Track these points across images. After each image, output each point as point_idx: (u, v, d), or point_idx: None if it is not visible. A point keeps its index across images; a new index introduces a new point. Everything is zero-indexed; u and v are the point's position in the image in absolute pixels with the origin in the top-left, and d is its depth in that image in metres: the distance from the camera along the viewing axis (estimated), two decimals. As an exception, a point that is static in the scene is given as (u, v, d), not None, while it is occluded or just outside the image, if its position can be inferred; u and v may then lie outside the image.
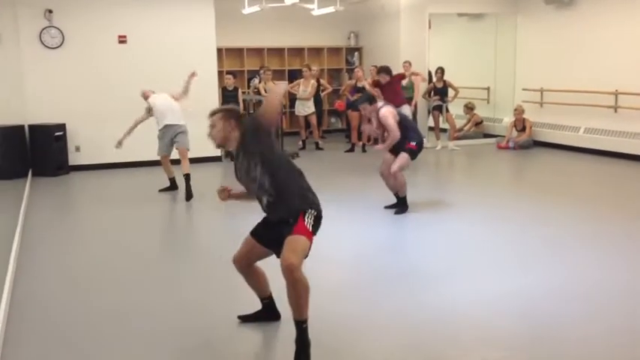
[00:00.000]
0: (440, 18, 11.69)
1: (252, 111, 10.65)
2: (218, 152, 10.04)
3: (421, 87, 10.84)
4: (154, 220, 6.82)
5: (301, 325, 3.22)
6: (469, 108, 11.99)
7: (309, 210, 3.36)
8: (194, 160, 9.22)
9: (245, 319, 3.78)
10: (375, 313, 3.95)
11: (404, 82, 10.66)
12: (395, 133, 6.23)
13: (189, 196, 7.21)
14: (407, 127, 6.39)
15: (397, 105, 7.37)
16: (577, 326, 3.72)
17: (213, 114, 3.51)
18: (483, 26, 12.38)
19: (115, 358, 3.46)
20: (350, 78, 11.92)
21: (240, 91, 10.30)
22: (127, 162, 9.25)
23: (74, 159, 9.29)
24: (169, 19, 9.54)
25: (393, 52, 11.36)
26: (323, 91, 11.45)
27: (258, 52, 12.36)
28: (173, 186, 7.67)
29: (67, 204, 7.98)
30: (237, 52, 12.17)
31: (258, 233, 3.53)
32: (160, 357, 3.45)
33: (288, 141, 11.10)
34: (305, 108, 10.97)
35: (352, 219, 6.32)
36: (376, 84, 9.36)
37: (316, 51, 12.92)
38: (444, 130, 11.33)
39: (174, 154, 7.54)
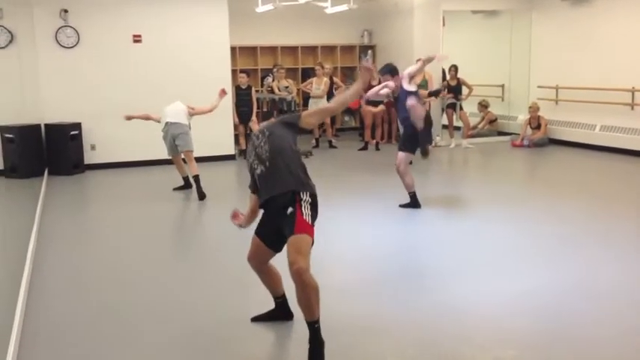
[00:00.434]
0: (454, 15, 11.63)
1: (265, 109, 10.69)
2: (232, 151, 10.09)
3: (434, 82, 10.74)
4: (167, 219, 6.86)
5: (313, 326, 3.22)
6: (483, 106, 11.92)
7: (304, 194, 3.31)
8: (208, 159, 9.30)
9: (258, 319, 3.78)
10: (389, 311, 3.94)
11: (418, 80, 10.62)
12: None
13: (201, 196, 7.23)
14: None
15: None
16: (592, 325, 3.69)
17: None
18: (498, 23, 12.30)
19: (129, 357, 3.48)
20: (363, 76, 11.86)
21: (253, 89, 10.33)
22: (142, 160, 9.31)
23: (90, 158, 9.36)
24: (184, 19, 9.58)
25: (406, 49, 11.31)
26: (336, 89, 11.43)
27: (271, 50, 12.37)
28: (187, 184, 7.70)
29: (83, 202, 8.05)
30: (250, 51, 12.19)
31: (260, 232, 3.55)
32: (173, 356, 3.47)
33: (301, 139, 11.02)
34: (318, 106, 10.95)
35: (366, 217, 6.32)
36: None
37: (330, 49, 12.90)
38: (458, 128, 11.27)
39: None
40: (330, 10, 10.11)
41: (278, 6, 9.95)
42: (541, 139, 10.71)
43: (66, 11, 9.04)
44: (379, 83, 10.46)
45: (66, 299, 4.34)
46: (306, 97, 11.59)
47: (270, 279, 3.68)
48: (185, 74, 9.50)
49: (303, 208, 3.27)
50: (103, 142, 9.38)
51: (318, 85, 10.88)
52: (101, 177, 8.97)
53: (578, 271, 4.61)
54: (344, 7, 10.15)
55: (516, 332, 3.62)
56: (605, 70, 9.83)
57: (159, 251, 5.54)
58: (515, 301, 4.08)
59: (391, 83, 6.37)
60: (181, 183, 7.76)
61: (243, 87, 10.09)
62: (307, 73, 12.19)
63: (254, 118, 10.16)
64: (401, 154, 6.42)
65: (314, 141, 11.30)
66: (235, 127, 10.19)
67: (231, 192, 8.32)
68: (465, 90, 10.93)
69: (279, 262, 3.55)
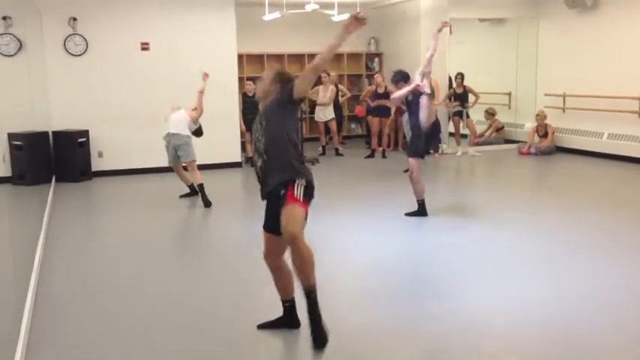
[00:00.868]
0: (461, 23, 11.62)
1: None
2: (239, 158, 10.10)
3: (441, 89, 10.75)
4: (174, 226, 6.87)
5: (310, 295, 3.28)
6: (490, 113, 11.91)
7: (298, 179, 3.44)
8: (215, 166, 9.32)
9: (264, 326, 3.77)
10: (396, 320, 3.92)
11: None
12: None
13: (206, 204, 7.26)
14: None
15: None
16: (602, 336, 3.66)
17: (270, 72, 3.67)
18: (505, 31, 12.29)
19: (137, 362, 3.48)
20: (370, 84, 11.91)
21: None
22: (149, 168, 9.34)
23: (97, 165, 9.39)
24: (191, 26, 9.62)
25: (413, 57, 11.30)
26: (342, 96, 11.45)
27: (278, 58, 12.39)
28: (193, 192, 7.71)
29: (90, 209, 8.07)
30: (257, 58, 12.23)
31: (266, 225, 3.62)
32: (181, 362, 3.47)
33: (308, 147, 11.11)
34: (325, 114, 10.98)
35: (372, 226, 6.30)
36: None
37: (336, 57, 12.90)
38: (465, 136, 11.26)
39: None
40: (336, 18, 10.13)
41: (285, 14, 10.00)
42: (548, 147, 10.67)
43: (75, 19, 9.11)
44: (385, 90, 10.52)
45: (73, 305, 4.34)
46: (312, 105, 11.61)
47: (283, 277, 3.66)
48: (192, 82, 9.49)
49: (295, 189, 3.40)
50: (110, 150, 9.42)
51: (324, 93, 10.90)
52: (108, 184, 9.00)
53: (586, 280, 4.59)
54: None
55: (525, 342, 3.59)
56: (612, 78, 9.80)
57: (165, 258, 5.55)
58: (524, 310, 4.05)
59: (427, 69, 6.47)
60: (187, 190, 7.77)
61: (250, 94, 10.11)
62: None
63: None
64: (412, 161, 6.39)
65: (320, 148, 11.31)
66: (242, 135, 10.21)
67: (237, 199, 8.33)
68: (471, 98, 10.93)
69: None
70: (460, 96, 10.86)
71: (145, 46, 9.47)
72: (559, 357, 3.41)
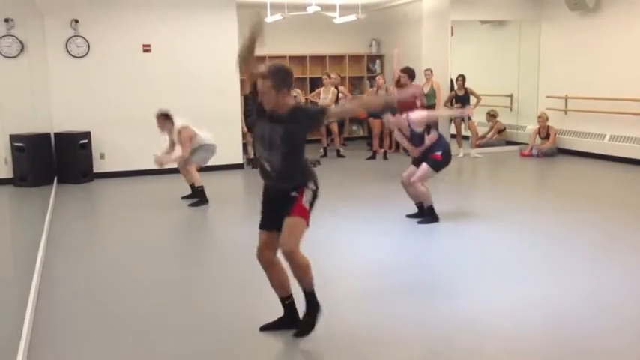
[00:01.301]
0: (462, 25, 11.64)
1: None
2: (240, 160, 10.10)
3: (443, 94, 10.78)
4: (175, 227, 6.88)
5: (308, 294, 3.55)
6: (492, 115, 11.91)
7: (309, 183, 3.51)
8: (216, 168, 9.32)
9: (266, 327, 3.76)
10: (398, 323, 3.92)
11: (426, 90, 10.64)
12: (434, 116, 6.19)
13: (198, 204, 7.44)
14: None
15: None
16: (603, 337, 3.66)
17: (265, 73, 3.42)
18: (506, 33, 12.29)
19: (138, 364, 3.48)
20: (372, 86, 11.91)
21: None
22: (151, 169, 9.32)
23: (99, 166, 9.40)
24: (193, 28, 9.63)
25: (415, 59, 11.31)
26: (344, 97, 11.43)
27: (280, 60, 12.38)
28: (195, 194, 7.71)
29: (92, 211, 8.08)
30: (259, 60, 12.21)
31: (263, 224, 3.63)
32: (182, 364, 3.47)
33: (309, 148, 11.04)
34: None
35: (374, 228, 6.30)
36: (398, 83, 9.28)
37: (338, 59, 12.93)
38: (466, 138, 11.25)
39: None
40: (338, 20, 10.15)
41: (287, 16, 10.01)
42: (550, 149, 10.67)
43: (76, 21, 9.12)
44: (386, 92, 10.53)
45: (74, 307, 4.34)
46: (314, 107, 11.61)
47: (277, 275, 3.65)
48: (194, 83, 9.54)
49: (305, 195, 3.47)
50: (112, 151, 9.43)
51: (325, 95, 10.91)
52: (110, 186, 9.00)
53: (588, 281, 4.58)
54: (352, 17, 10.19)
55: (527, 343, 3.59)
56: (614, 80, 9.80)
57: (167, 260, 5.55)
58: (526, 311, 4.05)
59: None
60: (189, 192, 7.77)
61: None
62: (315, 83, 12.22)
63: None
64: (427, 170, 6.34)
65: (322, 150, 11.31)
66: (243, 136, 10.22)
67: (239, 201, 8.33)
68: (473, 100, 10.92)
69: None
70: (461, 98, 10.85)
71: (146, 48, 9.48)
72: (560, 358, 3.40)
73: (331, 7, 9.94)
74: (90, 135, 9.21)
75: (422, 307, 4.18)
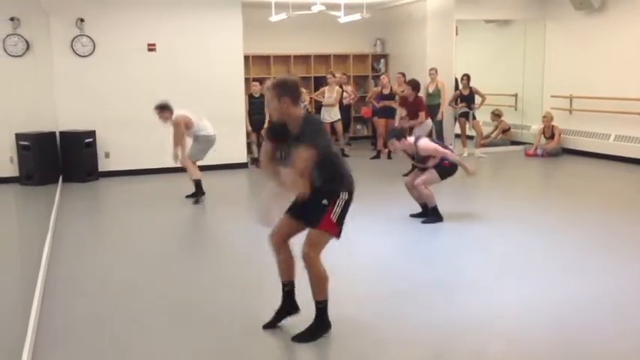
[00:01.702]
0: (467, 24, 11.62)
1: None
2: (244, 159, 10.12)
3: (448, 94, 10.78)
4: (180, 226, 6.89)
5: (318, 305, 3.54)
6: (496, 115, 11.89)
7: (342, 193, 3.52)
8: (221, 167, 9.34)
9: (269, 325, 3.77)
10: (401, 323, 3.91)
11: (430, 90, 10.64)
12: (443, 153, 6.22)
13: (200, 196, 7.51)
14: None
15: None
16: (610, 340, 3.62)
17: (270, 85, 3.56)
18: (511, 32, 12.28)
19: (143, 361, 3.49)
20: (376, 85, 11.91)
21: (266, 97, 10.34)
22: (156, 168, 9.36)
23: (104, 165, 9.43)
24: (198, 27, 9.65)
25: (419, 59, 11.33)
26: (345, 98, 11.43)
27: (284, 59, 12.42)
28: (200, 190, 7.72)
29: (97, 209, 8.10)
30: (263, 60, 12.24)
31: (289, 208, 3.63)
32: (187, 361, 3.48)
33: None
34: (331, 115, 10.98)
35: (377, 227, 6.30)
36: (403, 101, 9.39)
37: (342, 58, 12.92)
38: (471, 138, 11.24)
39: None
40: (343, 20, 10.14)
41: (291, 15, 10.01)
42: (555, 149, 10.65)
43: (82, 20, 9.14)
44: (391, 91, 10.55)
45: (80, 304, 4.36)
46: (318, 106, 11.61)
47: (285, 257, 3.67)
48: (199, 82, 9.56)
49: (336, 206, 3.48)
50: (117, 150, 9.45)
51: (330, 94, 10.91)
52: (115, 184, 9.03)
53: (594, 283, 4.56)
54: (357, 17, 10.18)
55: (532, 346, 3.56)
56: (619, 80, 9.77)
57: (171, 257, 5.56)
58: (531, 313, 4.02)
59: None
60: (193, 190, 7.78)
61: (256, 95, 10.14)
62: (320, 82, 12.22)
63: (266, 126, 10.20)
64: (433, 175, 6.39)
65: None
66: (248, 135, 10.23)
67: (243, 200, 8.34)
68: (477, 99, 10.91)
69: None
70: (466, 97, 10.84)
71: (151, 47, 9.50)
72: None
73: (336, 7, 9.94)
74: (95, 134, 9.24)
75: (425, 307, 4.17)
